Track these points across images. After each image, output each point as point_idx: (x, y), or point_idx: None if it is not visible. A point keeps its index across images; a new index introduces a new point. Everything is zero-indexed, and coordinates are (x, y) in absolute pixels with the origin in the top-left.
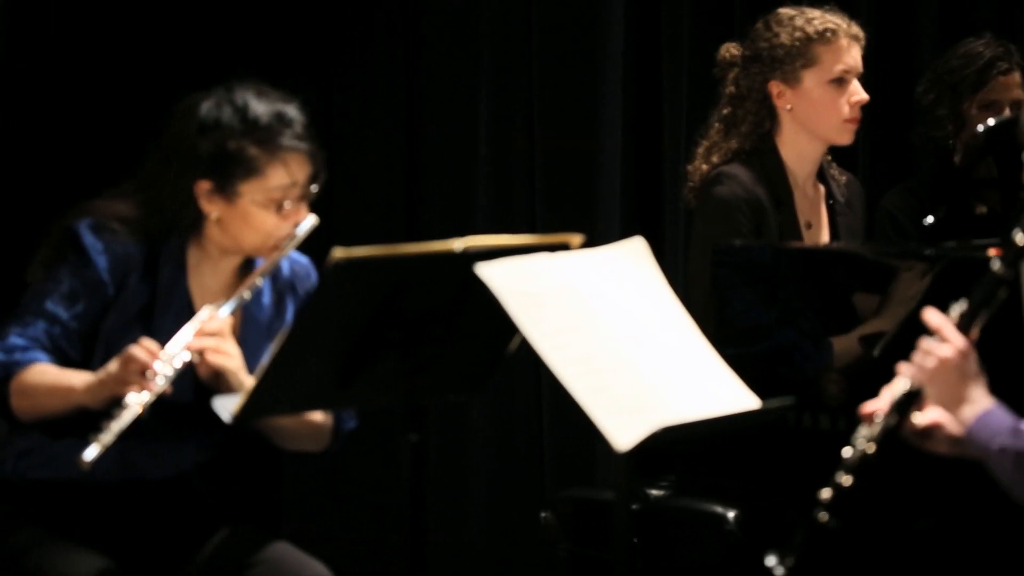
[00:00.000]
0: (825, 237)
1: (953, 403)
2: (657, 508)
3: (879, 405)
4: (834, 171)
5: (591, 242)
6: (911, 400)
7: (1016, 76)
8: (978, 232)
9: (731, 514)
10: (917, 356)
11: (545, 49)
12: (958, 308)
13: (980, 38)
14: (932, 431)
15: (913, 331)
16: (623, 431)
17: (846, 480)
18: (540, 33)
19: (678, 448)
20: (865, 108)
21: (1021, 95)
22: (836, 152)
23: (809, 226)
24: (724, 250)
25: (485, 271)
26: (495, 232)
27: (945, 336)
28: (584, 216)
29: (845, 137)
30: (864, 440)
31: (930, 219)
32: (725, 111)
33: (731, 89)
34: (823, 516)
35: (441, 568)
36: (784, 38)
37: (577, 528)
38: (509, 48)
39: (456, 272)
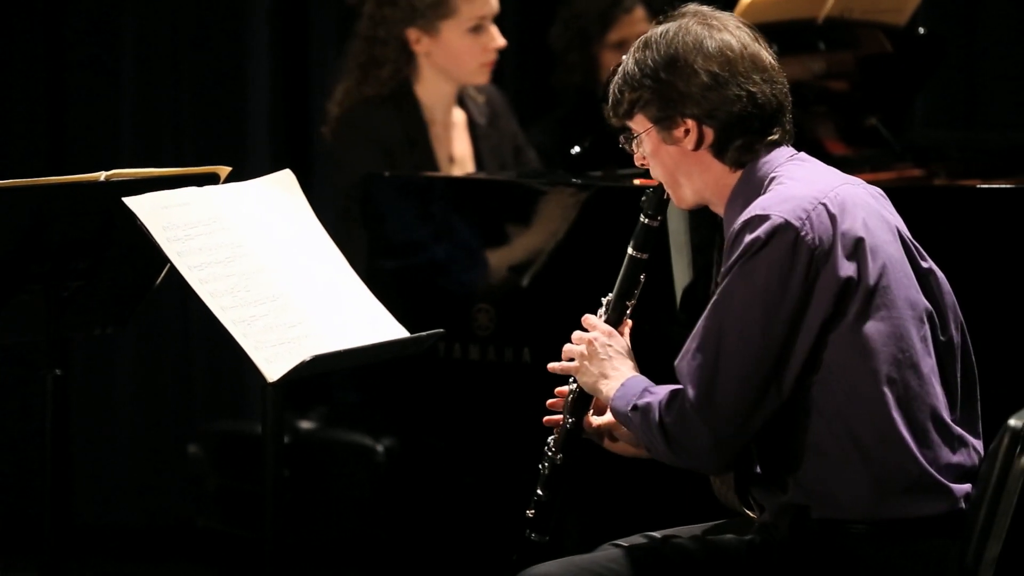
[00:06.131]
0: (470, 167)
1: (599, 383)
2: (308, 440)
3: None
4: (471, 92)
5: (239, 175)
6: (583, 400)
7: (640, 11)
8: (623, 162)
9: (380, 446)
10: (570, 348)
11: None
12: (606, 300)
13: None
14: (614, 430)
15: (564, 263)
16: (273, 362)
17: (545, 495)
18: None
19: (329, 379)
20: (511, 50)
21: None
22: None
23: (452, 159)
24: (378, 178)
25: (131, 203)
26: (142, 167)
27: (590, 326)
28: (232, 149)
29: (481, 79)
30: (552, 452)
31: (576, 149)
32: (362, 55)
33: (367, 31)
34: (530, 535)
35: (87, 504)
36: None
37: (226, 461)
38: None
39: (101, 204)
